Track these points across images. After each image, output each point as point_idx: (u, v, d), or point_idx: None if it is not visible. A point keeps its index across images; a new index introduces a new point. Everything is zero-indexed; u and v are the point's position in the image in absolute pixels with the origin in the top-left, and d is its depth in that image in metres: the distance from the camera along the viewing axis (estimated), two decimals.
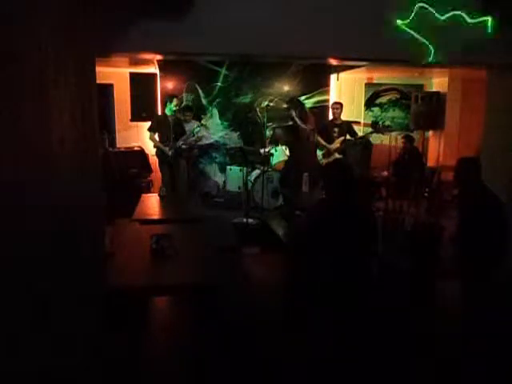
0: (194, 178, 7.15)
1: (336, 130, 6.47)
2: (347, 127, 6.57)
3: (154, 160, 6.87)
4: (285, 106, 6.79)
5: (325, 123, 7.05)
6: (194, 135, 6.52)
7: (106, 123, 7.68)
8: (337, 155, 6.42)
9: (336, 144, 6.43)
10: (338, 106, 6.53)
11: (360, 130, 7.74)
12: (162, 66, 7.29)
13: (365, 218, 3.01)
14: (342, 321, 2.85)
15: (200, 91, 7.68)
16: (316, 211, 3.17)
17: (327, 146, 6.48)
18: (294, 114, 6.38)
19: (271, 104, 7.38)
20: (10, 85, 1.22)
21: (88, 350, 2.05)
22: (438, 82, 8.63)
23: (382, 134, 6.71)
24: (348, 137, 6.52)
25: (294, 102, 6.65)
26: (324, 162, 6.52)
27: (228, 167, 7.22)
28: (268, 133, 7.04)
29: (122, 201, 5.36)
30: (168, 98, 6.19)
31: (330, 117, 7.92)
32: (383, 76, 8.67)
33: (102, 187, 2.68)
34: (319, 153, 6.62)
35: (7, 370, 1.18)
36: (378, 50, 4.53)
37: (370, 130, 7.63)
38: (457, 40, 4.50)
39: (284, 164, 6.97)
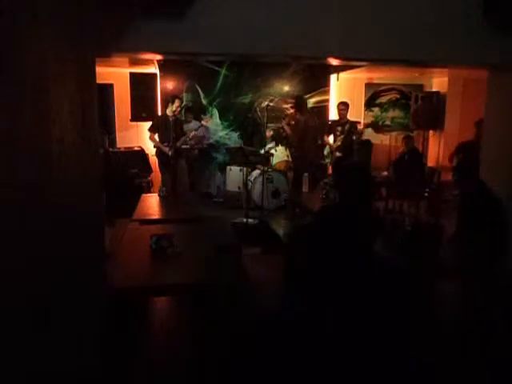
0: (193, 178, 7.15)
1: (339, 128, 6.52)
2: (350, 127, 6.57)
3: (153, 160, 6.86)
4: (289, 104, 6.74)
5: (331, 122, 7.10)
6: (198, 138, 6.61)
7: (106, 123, 7.67)
8: (337, 154, 6.44)
9: (337, 142, 6.44)
10: (343, 106, 6.57)
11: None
12: (162, 66, 7.30)
13: (374, 220, 3.03)
14: (342, 321, 2.85)
15: (200, 91, 7.68)
16: (328, 212, 3.13)
17: (329, 143, 6.53)
18: (297, 110, 6.38)
19: (271, 104, 7.37)
20: (10, 85, 1.22)
21: (88, 350, 2.05)
22: (437, 82, 8.63)
23: (383, 134, 6.75)
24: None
25: (301, 100, 6.61)
26: (328, 161, 6.57)
27: (228, 167, 7.21)
28: (268, 133, 7.03)
29: (122, 201, 5.36)
30: (171, 97, 6.20)
31: (331, 117, 7.96)
32: (383, 76, 8.66)
33: (102, 187, 2.68)
34: (325, 152, 6.67)
35: (8, 370, 1.18)
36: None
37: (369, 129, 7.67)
38: None
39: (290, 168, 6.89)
